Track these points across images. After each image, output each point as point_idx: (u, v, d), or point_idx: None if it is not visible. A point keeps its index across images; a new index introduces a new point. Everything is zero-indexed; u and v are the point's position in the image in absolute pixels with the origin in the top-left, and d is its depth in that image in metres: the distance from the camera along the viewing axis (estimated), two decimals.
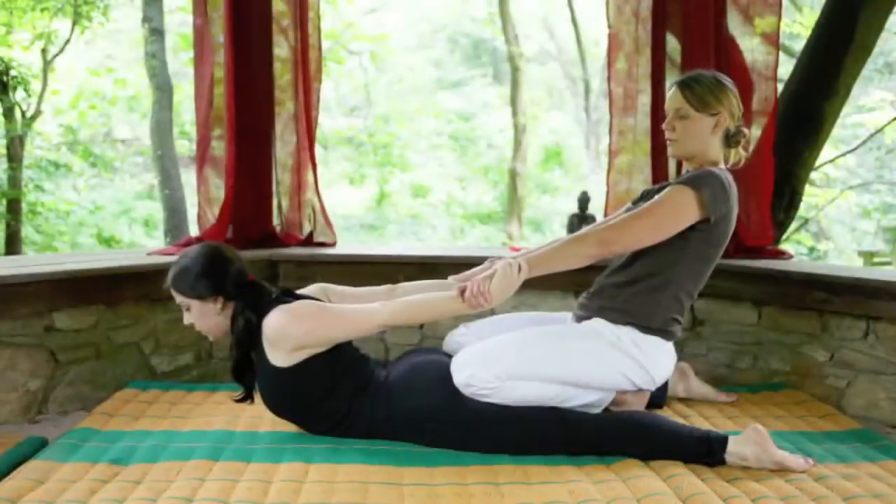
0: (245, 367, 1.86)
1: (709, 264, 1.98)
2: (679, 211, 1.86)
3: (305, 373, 1.79)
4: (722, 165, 2.01)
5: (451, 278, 2.07)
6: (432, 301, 1.85)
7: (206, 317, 1.84)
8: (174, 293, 1.83)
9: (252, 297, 1.83)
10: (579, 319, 2.05)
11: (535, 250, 2.00)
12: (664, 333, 1.94)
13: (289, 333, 1.74)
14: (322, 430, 1.89)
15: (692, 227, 1.88)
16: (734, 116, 1.98)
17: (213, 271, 1.81)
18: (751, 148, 2.79)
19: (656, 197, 1.91)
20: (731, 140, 2.00)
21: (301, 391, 1.82)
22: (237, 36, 2.89)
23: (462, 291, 1.79)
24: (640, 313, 1.93)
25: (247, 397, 1.91)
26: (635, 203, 2.19)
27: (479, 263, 2.14)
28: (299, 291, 1.99)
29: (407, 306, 1.83)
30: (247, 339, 1.81)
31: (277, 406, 1.89)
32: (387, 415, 1.84)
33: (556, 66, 14.23)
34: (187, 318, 1.86)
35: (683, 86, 1.97)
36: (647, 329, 1.92)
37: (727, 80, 2.00)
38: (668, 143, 2.02)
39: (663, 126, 2.01)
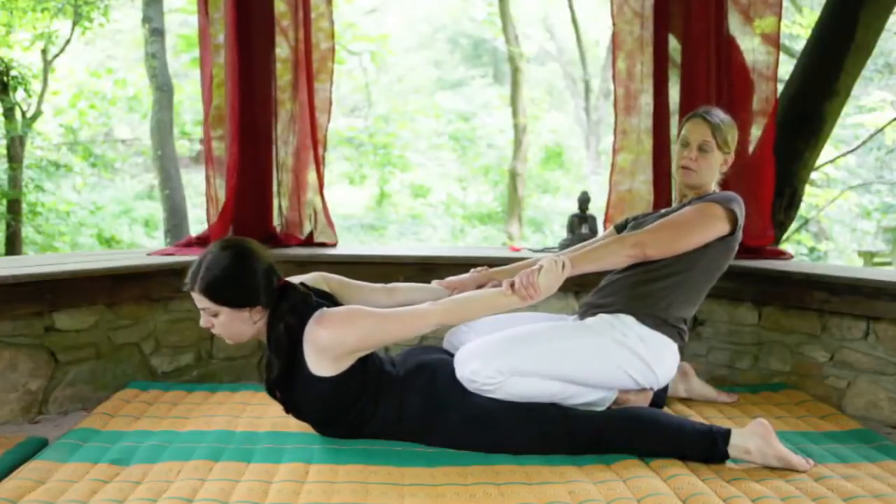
0: (285, 380, 1.74)
1: (719, 273, 2.08)
2: (712, 223, 1.98)
3: (345, 379, 1.74)
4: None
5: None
6: (483, 297, 1.84)
7: (235, 324, 1.73)
8: (201, 298, 1.70)
9: (291, 303, 1.74)
10: (585, 317, 2.06)
11: (574, 249, 2.12)
12: (672, 332, 1.97)
13: (342, 342, 1.69)
14: (339, 433, 1.87)
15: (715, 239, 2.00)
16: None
17: (248, 278, 1.70)
18: (751, 148, 2.80)
19: (687, 209, 2.02)
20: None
21: (338, 396, 1.77)
22: (240, 36, 2.89)
23: (511, 285, 1.80)
24: (652, 308, 1.96)
25: (288, 409, 1.82)
26: (619, 229, 2.29)
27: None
28: (301, 279, 1.95)
29: (459, 304, 1.82)
30: (289, 346, 1.72)
31: (308, 412, 1.84)
32: (398, 414, 1.83)
33: (556, 66, 14.22)
34: (207, 322, 1.74)
35: (710, 122, 2.08)
36: (655, 324, 1.94)
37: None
38: (684, 170, 2.12)
39: (686, 155, 2.10)
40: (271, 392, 1.80)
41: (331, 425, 1.87)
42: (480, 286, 2.08)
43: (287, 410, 1.84)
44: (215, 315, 1.72)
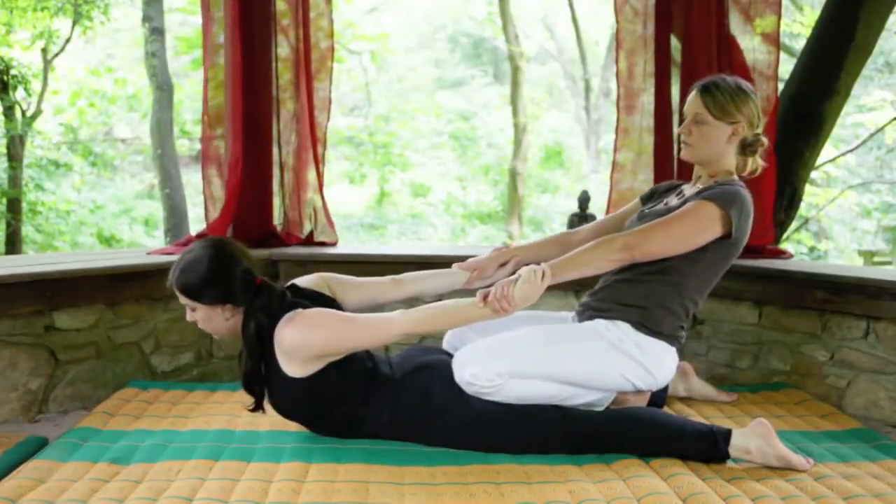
0: (258, 377, 1.77)
1: (718, 275, 1.99)
2: (705, 226, 1.86)
3: (319, 380, 1.74)
4: (735, 175, 2.00)
5: (455, 266, 2.06)
6: (453, 307, 1.79)
7: (212, 321, 1.78)
8: (178, 294, 1.77)
9: (263, 302, 1.75)
10: (582, 318, 2.04)
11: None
12: (670, 339, 1.94)
13: (306, 345, 1.68)
14: (331, 433, 1.87)
15: (712, 241, 1.89)
16: (753, 125, 1.96)
17: (222, 277, 1.73)
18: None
19: (682, 208, 1.91)
20: (747, 149, 1.98)
21: (315, 398, 1.77)
22: (242, 35, 2.89)
23: (484, 297, 1.74)
24: (648, 319, 1.92)
25: (258, 407, 1.82)
26: (644, 201, 2.20)
27: None
28: (300, 282, 1.94)
29: (427, 314, 1.77)
30: (259, 347, 1.74)
31: (289, 412, 1.85)
32: (393, 416, 1.82)
33: (557, 65, 14.23)
34: (191, 317, 1.80)
35: (704, 91, 1.94)
36: (653, 333, 1.91)
37: (749, 88, 1.97)
38: (682, 145, 2.00)
39: (679, 129, 2.01)
40: (248, 389, 1.80)
41: (316, 425, 1.87)
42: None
43: (254, 409, 1.82)
44: (193, 310, 1.78)
